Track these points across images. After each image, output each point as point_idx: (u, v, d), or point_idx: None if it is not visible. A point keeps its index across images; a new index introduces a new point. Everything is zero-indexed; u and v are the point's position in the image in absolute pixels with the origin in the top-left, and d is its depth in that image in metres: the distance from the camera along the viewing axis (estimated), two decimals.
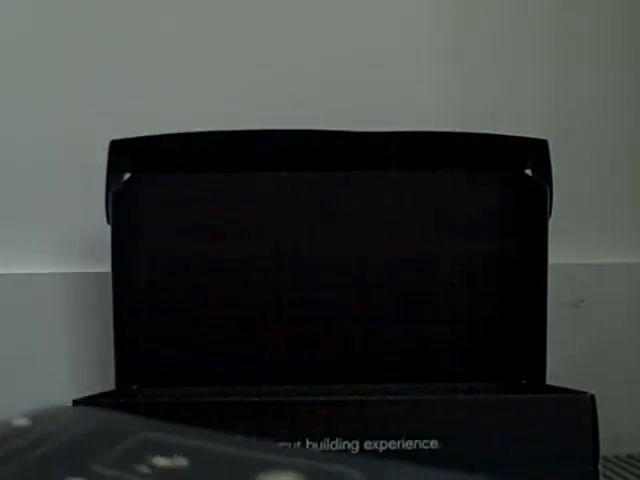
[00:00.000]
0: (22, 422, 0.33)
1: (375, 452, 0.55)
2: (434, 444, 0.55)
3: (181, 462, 0.30)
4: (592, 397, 0.56)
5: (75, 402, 0.55)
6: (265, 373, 0.68)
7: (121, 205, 0.66)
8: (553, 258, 0.68)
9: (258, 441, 0.33)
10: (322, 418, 0.55)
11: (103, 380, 0.69)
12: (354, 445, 0.55)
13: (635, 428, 0.80)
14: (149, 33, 0.79)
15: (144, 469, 0.30)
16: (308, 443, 0.54)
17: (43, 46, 0.78)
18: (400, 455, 0.55)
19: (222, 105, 0.78)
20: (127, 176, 0.67)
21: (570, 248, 0.79)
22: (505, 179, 0.70)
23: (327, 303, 0.69)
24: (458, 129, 0.68)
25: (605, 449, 0.58)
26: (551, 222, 0.67)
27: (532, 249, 0.68)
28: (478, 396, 0.62)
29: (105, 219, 0.66)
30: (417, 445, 0.55)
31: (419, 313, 0.69)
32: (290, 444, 0.54)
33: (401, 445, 0.55)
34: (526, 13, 0.82)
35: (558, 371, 0.67)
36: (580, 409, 0.56)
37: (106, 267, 0.66)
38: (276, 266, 0.68)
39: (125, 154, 0.66)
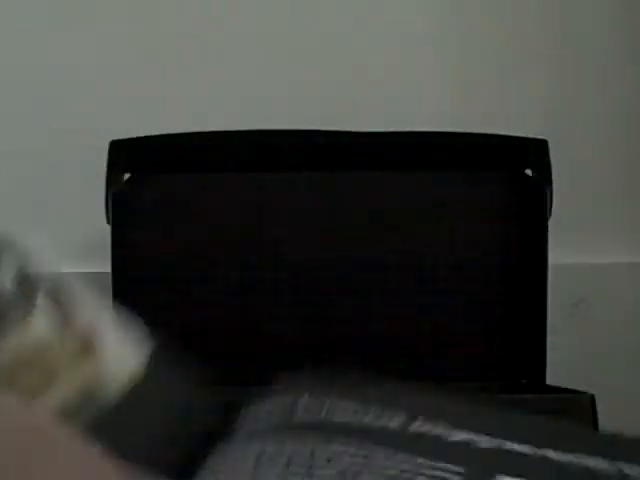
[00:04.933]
0: None
1: None
2: None
3: None
4: (592, 397, 0.56)
5: None
6: (265, 373, 0.68)
7: (121, 205, 0.66)
8: (553, 258, 0.68)
9: None
10: None
11: None
12: None
13: (635, 428, 0.80)
14: (150, 33, 0.79)
15: None
16: None
17: (43, 46, 0.78)
18: None
19: (222, 105, 0.78)
20: (127, 176, 0.68)
21: (570, 248, 0.79)
22: (505, 179, 0.70)
23: (327, 303, 0.69)
24: (458, 129, 0.68)
25: None
26: (551, 222, 0.67)
27: (532, 249, 0.68)
28: (478, 396, 0.62)
29: (105, 219, 0.66)
30: None
31: (419, 313, 0.69)
32: None
33: None
34: (526, 13, 0.82)
35: (558, 371, 0.67)
36: (580, 409, 0.56)
37: (106, 267, 0.66)
38: (276, 266, 0.68)
39: (125, 154, 0.66)
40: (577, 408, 0.57)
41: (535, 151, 0.67)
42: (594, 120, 0.82)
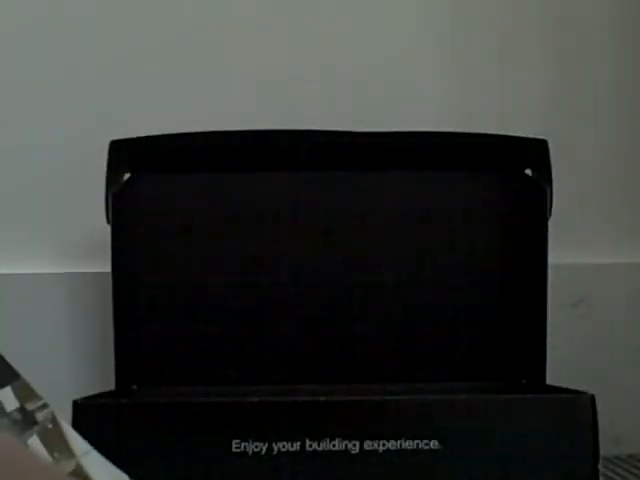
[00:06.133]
0: None
1: (375, 452, 0.55)
2: (434, 444, 0.55)
3: None
4: (592, 397, 0.56)
5: (75, 402, 0.55)
6: (265, 373, 0.68)
7: (121, 205, 0.66)
8: (553, 258, 0.68)
9: None
10: (322, 418, 0.55)
11: (103, 380, 0.69)
12: (354, 445, 0.55)
13: (635, 428, 0.80)
14: (149, 34, 0.79)
15: None
16: (308, 443, 0.54)
17: (43, 47, 0.78)
18: (400, 455, 0.55)
19: (222, 105, 0.78)
20: (127, 176, 0.67)
21: (570, 248, 0.79)
22: (505, 179, 0.70)
23: (327, 303, 0.69)
24: (458, 129, 0.68)
25: (605, 449, 0.58)
26: (551, 222, 0.67)
27: (532, 249, 0.68)
28: (478, 396, 0.62)
29: (105, 219, 0.66)
30: (417, 445, 0.55)
31: (419, 313, 0.69)
32: (290, 444, 0.54)
33: (401, 445, 0.55)
34: (526, 13, 0.82)
35: (558, 371, 0.67)
36: (580, 409, 0.56)
37: (106, 267, 0.66)
38: (276, 266, 0.68)
39: (125, 154, 0.66)
40: (577, 408, 0.57)
41: (535, 151, 0.67)
42: (594, 120, 0.82)
